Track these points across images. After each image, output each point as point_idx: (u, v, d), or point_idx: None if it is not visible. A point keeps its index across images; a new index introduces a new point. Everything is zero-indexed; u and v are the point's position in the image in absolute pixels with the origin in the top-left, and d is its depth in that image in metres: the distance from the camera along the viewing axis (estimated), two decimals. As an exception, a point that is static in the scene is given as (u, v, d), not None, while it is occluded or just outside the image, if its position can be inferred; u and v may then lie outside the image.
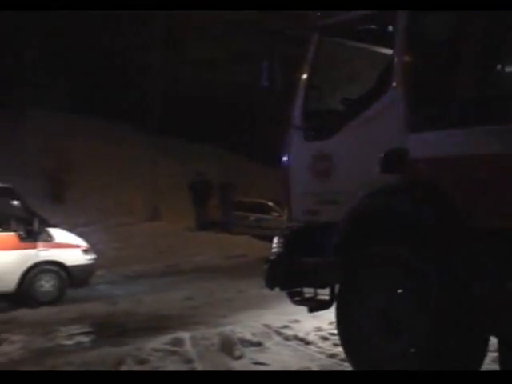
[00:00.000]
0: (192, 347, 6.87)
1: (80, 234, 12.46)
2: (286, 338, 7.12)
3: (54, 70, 23.09)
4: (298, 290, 5.84)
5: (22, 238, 10.88)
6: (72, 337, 8.32)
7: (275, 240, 5.96)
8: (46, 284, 11.02)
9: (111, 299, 11.03)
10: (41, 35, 22.90)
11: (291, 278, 5.71)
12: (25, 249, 10.87)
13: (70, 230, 12.55)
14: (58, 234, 11.39)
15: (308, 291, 5.80)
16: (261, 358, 6.47)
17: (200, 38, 23.09)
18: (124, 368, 6.27)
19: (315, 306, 5.80)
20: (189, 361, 6.43)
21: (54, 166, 19.91)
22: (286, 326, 7.59)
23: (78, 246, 11.56)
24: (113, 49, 23.55)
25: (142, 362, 6.44)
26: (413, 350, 4.86)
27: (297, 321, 7.70)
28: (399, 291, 4.94)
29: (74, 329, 8.78)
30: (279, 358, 6.46)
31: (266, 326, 7.73)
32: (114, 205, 20.11)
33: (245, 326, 7.80)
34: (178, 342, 7.04)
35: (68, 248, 11.35)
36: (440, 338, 4.69)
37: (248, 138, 24.06)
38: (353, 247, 5.17)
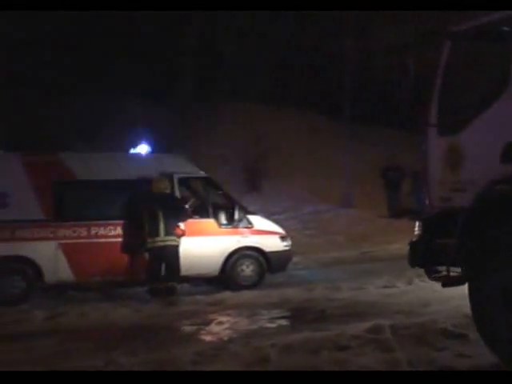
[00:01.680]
0: (392, 336, 6.82)
1: (275, 222, 12.83)
2: (491, 331, 6.84)
3: (249, 63, 23.93)
4: (436, 267, 6.48)
5: (224, 225, 11.45)
6: (273, 320, 8.64)
7: (417, 224, 6.70)
8: (247, 269, 11.49)
9: (308, 285, 11.23)
10: (238, 33, 23.89)
11: (428, 257, 6.41)
12: (227, 235, 11.42)
13: (266, 217, 12.97)
14: (257, 221, 11.82)
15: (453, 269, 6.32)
16: (464, 350, 6.28)
17: (389, 23, 22.67)
18: (324, 353, 6.36)
19: (449, 281, 6.36)
20: (389, 350, 6.37)
21: (250, 156, 20.65)
22: (490, 319, 7.30)
23: (275, 233, 11.91)
24: (304, 38, 23.85)
25: (343, 348, 6.50)
26: None
27: (501, 313, 7.37)
28: None
29: (275, 313, 9.11)
30: (483, 350, 6.20)
31: (468, 317, 7.44)
32: (307, 192, 20.41)
33: (446, 316, 7.61)
34: (378, 330, 7.01)
35: (267, 235, 11.73)
36: None
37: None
38: (476, 230, 5.80)
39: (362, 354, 6.29)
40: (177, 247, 10.57)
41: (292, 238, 12.66)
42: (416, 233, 6.67)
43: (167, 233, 10.42)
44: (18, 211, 10.53)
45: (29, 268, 10.49)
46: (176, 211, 10.66)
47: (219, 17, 22.17)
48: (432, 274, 6.55)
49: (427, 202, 6.68)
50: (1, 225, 10.43)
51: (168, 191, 10.84)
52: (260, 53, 24.25)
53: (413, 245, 6.62)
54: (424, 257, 6.47)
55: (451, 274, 6.19)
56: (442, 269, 6.38)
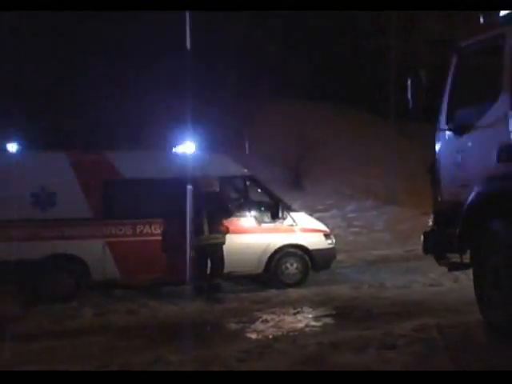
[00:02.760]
0: (439, 335, 6.77)
1: (319, 219, 12.80)
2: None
3: (292, 60, 23.94)
4: (446, 254, 7.29)
5: (267, 223, 11.48)
6: (319, 318, 8.63)
7: (430, 216, 7.63)
8: (290, 267, 11.49)
9: (353, 283, 11.22)
10: (281, 30, 23.95)
11: (438, 245, 7.31)
12: (271, 233, 11.45)
13: (309, 215, 12.94)
14: (301, 219, 11.82)
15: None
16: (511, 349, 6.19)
17: (432, 20, 22.39)
18: (371, 351, 6.34)
19: (453, 266, 7.34)
20: (436, 348, 6.33)
21: (293, 153, 20.62)
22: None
23: (319, 231, 11.89)
24: (347, 35, 23.76)
25: (390, 347, 6.44)
26: None
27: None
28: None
29: (320, 311, 9.11)
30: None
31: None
32: (351, 190, 20.30)
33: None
34: (425, 329, 6.98)
35: (310, 232, 11.72)
36: None
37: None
38: (475, 221, 6.63)
39: (408, 352, 6.24)
40: (221, 245, 10.66)
41: (336, 236, 12.61)
42: (429, 224, 7.62)
43: (211, 231, 10.52)
44: (65, 210, 10.72)
45: (77, 266, 10.68)
46: (220, 210, 10.76)
47: (264, 15, 22.22)
48: (440, 260, 7.45)
49: (440, 197, 7.51)
50: (49, 223, 10.65)
51: (213, 190, 10.93)
52: (304, 50, 24.21)
53: (425, 234, 7.56)
54: (434, 245, 7.39)
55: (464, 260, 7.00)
56: (451, 256, 7.21)
